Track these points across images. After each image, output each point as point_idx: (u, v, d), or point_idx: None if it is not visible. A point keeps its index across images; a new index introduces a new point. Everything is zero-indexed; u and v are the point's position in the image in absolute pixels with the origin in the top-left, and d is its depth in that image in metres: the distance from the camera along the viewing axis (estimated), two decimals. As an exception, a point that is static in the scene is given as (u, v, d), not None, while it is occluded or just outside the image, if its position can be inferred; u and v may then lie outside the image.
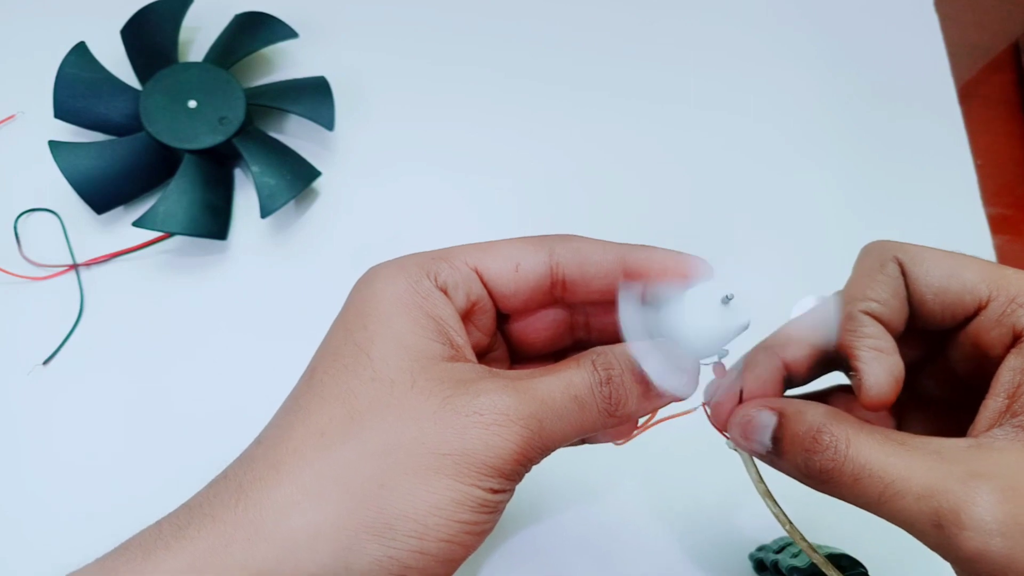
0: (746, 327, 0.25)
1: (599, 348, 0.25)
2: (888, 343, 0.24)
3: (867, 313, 0.25)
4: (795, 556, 0.36)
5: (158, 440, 0.41)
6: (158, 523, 0.23)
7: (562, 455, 0.36)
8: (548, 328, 0.29)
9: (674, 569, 0.41)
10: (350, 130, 0.49)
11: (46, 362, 0.42)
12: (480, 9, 0.54)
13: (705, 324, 0.24)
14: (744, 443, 0.26)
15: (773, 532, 0.40)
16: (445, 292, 0.25)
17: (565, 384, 0.24)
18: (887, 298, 0.25)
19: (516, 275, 0.26)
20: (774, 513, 0.27)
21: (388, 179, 0.48)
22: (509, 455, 0.22)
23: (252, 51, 0.48)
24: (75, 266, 0.43)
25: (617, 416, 0.24)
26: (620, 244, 0.26)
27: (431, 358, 0.24)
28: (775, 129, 0.53)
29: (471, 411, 0.22)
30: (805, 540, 0.26)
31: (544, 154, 0.50)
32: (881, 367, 0.24)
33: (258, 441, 0.24)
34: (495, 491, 0.23)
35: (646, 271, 0.26)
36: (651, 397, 0.25)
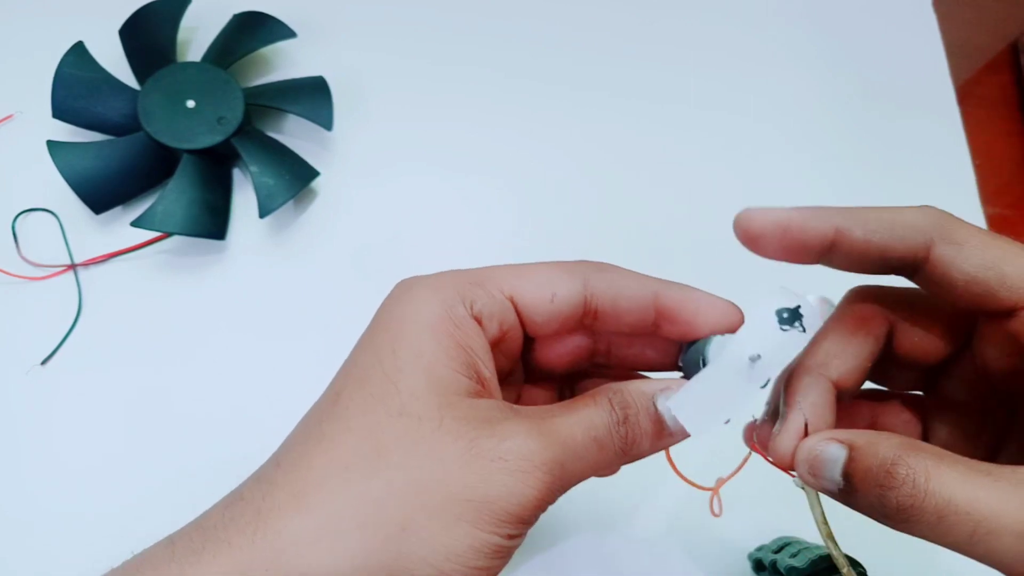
0: (765, 387, 0.24)
1: (615, 386, 0.25)
2: (824, 417, 0.25)
3: (826, 379, 0.25)
4: (794, 556, 0.36)
5: (157, 440, 0.41)
6: (170, 541, 0.22)
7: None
8: (570, 353, 0.28)
9: (672, 568, 0.41)
10: (349, 130, 0.49)
11: (44, 362, 0.42)
12: (479, 9, 0.54)
13: (728, 379, 0.24)
14: (813, 481, 0.24)
15: (772, 532, 0.40)
16: (479, 320, 0.25)
17: (586, 425, 0.23)
18: (851, 369, 0.25)
19: (551, 306, 0.26)
20: (835, 556, 0.26)
21: (387, 179, 0.48)
22: (530, 501, 0.22)
23: (251, 51, 0.48)
24: (73, 266, 0.43)
25: (629, 455, 0.24)
26: (656, 280, 0.26)
27: (458, 394, 0.23)
28: (774, 129, 0.53)
29: (496, 456, 0.22)
30: None
31: (543, 154, 0.50)
32: (790, 439, 0.24)
33: (276, 463, 0.23)
34: (511, 536, 0.23)
35: (679, 312, 0.26)
36: (663, 437, 0.25)
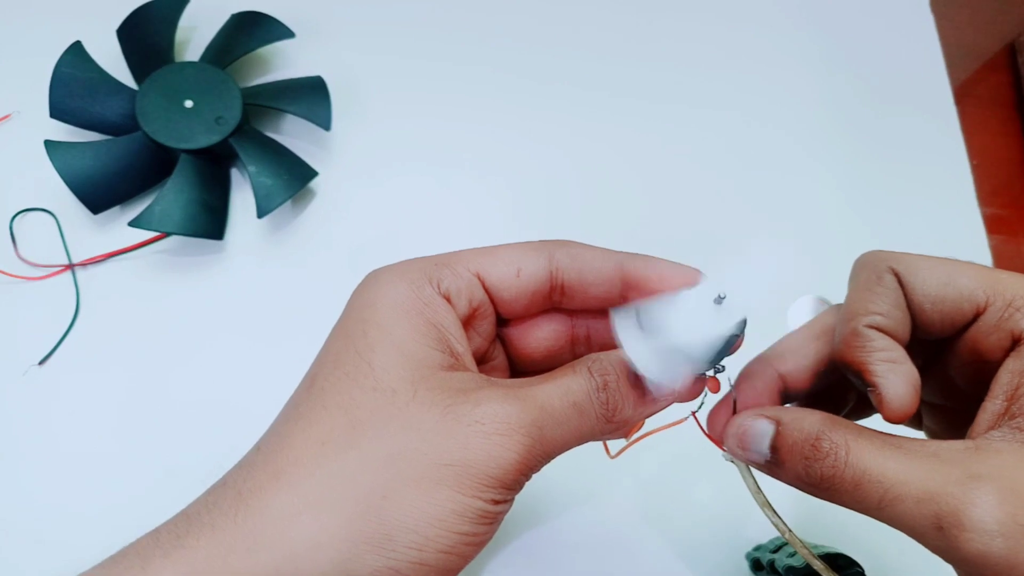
0: (741, 328, 0.24)
1: (594, 355, 0.25)
2: (900, 353, 0.24)
3: (873, 327, 0.25)
4: (791, 556, 0.36)
5: (155, 440, 0.41)
6: (156, 531, 0.23)
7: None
8: (549, 339, 0.29)
9: (670, 568, 0.41)
10: (347, 130, 0.49)
11: (42, 362, 0.42)
12: (478, 9, 0.54)
13: (698, 324, 0.24)
14: (741, 453, 0.25)
15: (769, 532, 0.40)
16: (448, 299, 0.25)
17: (564, 391, 0.24)
18: (889, 309, 0.25)
19: (517, 280, 0.26)
20: (774, 523, 0.26)
21: (385, 179, 0.48)
22: (511, 465, 0.22)
23: (249, 51, 0.48)
24: (71, 266, 0.43)
25: (614, 422, 0.25)
26: (619, 252, 0.27)
27: (432, 367, 0.23)
28: (772, 129, 0.53)
29: (472, 420, 0.22)
30: (806, 547, 0.26)
31: (542, 154, 0.50)
32: (899, 378, 0.24)
33: (257, 448, 0.24)
34: (496, 502, 0.23)
35: (644, 279, 0.26)
36: (647, 402, 0.25)
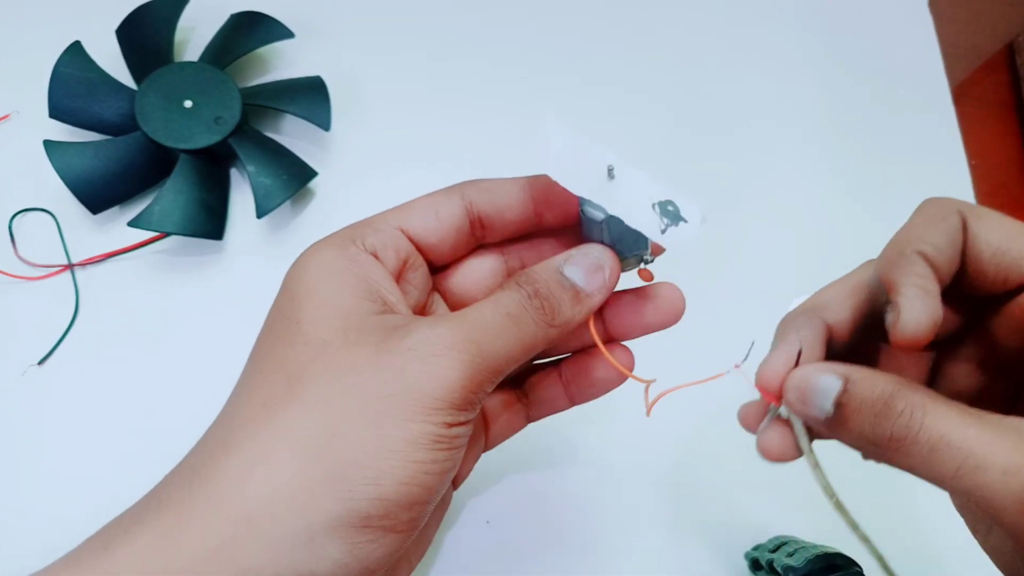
0: (637, 203, 0.25)
1: (521, 271, 0.25)
2: (934, 287, 0.23)
3: (920, 254, 0.24)
4: (790, 555, 0.36)
5: (154, 440, 0.41)
6: (120, 515, 0.23)
7: (559, 451, 0.37)
8: (487, 280, 0.29)
9: (670, 568, 0.41)
10: (346, 130, 0.49)
11: (41, 362, 0.42)
12: (476, 8, 0.54)
13: (593, 198, 0.25)
14: (800, 407, 0.24)
15: (769, 531, 0.40)
16: (375, 255, 0.25)
17: (494, 304, 0.24)
18: (943, 246, 0.24)
19: (437, 222, 0.27)
20: (823, 486, 0.25)
21: (384, 179, 0.48)
22: (454, 383, 0.22)
23: (248, 51, 0.48)
24: (70, 266, 0.43)
25: (557, 325, 0.25)
26: (524, 176, 0.28)
27: (362, 314, 0.24)
28: (769, 129, 0.53)
29: (405, 348, 0.22)
30: (848, 514, 0.25)
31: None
32: (923, 305, 0.23)
33: (208, 429, 0.25)
34: (449, 424, 0.22)
35: (550, 191, 0.27)
36: (581, 299, 0.25)
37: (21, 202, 0.44)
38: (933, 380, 0.28)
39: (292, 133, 0.49)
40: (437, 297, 0.29)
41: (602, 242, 0.26)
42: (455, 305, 0.29)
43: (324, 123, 0.47)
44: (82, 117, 0.45)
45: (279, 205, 0.44)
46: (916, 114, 0.54)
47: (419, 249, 0.27)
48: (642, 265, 0.27)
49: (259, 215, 0.44)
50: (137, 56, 0.46)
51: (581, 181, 0.25)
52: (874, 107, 0.54)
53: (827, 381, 0.23)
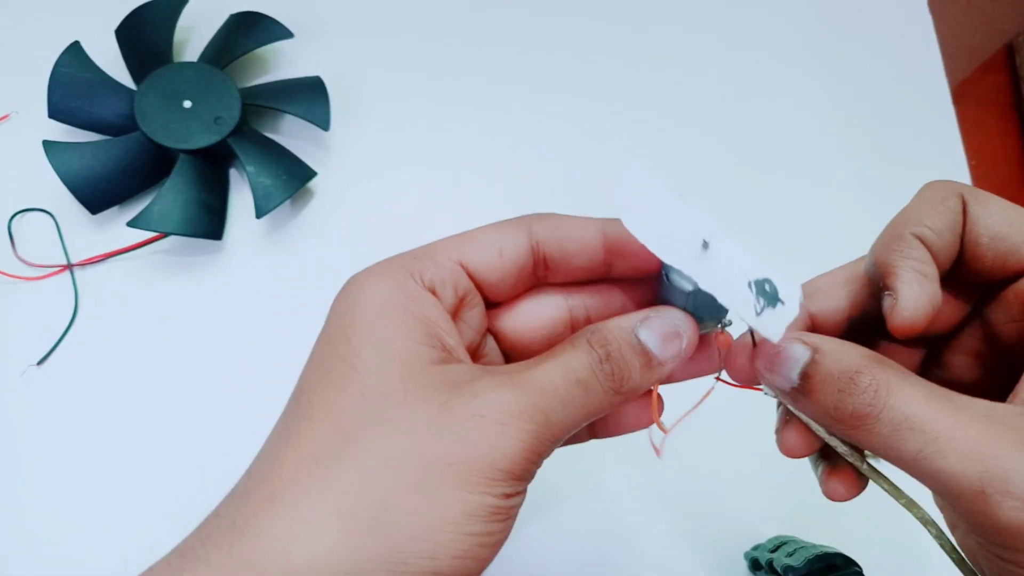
0: (732, 280, 0.23)
1: (591, 326, 0.24)
2: (932, 270, 0.23)
3: (918, 236, 0.23)
4: (790, 555, 0.36)
5: (153, 440, 0.41)
6: (150, 569, 0.21)
7: (558, 452, 0.36)
8: (545, 326, 0.27)
9: (669, 567, 0.41)
10: (345, 130, 0.49)
11: (40, 362, 0.42)
12: (475, 8, 0.54)
13: (684, 269, 0.23)
14: (768, 376, 0.23)
15: (768, 531, 0.40)
16: (433, 291, 0.24)
17: (564, 368, 0.22)
18: (941, 229, 0.23)
19: (500, 260, 0.25)
20: (832, 445, 0.24)
21: (384, 178, 0.48)
22: (517, 454, 0.21)
23: (247, 51, 0.48)
24: (69, 266, 0.43)
25: (623, 393, 0.23)
26: (598, 218, 0.26)
27: (422, 363, 0.22)
28: (769, 129, 0.53)
29: (471, 414, 0.21)
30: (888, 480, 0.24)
31: (542, 151, 0.50)
32: (921, 290, 0.22)
33: (248, 473, 0.22)
34: (508, 495, 0.21)
35: (626, 242, 0.25)
36: (653, 366, 0.23)
37: (20, 202, 0.44)
38: (931, 367, 0.27)
39: (291, 133, 0.49)
40: (489, 336, 0.28)
41: (683, 308, 0.24)
42: (510, 347, 0.27)
43: (323, 123, 0.47)
44: (81, 117, 0.45)
45: (278, 205, 0.44)
46: (915, 114, 0.54)
47: (478, 286, 0.25)
48: (718, 327, 0.25)
49: (258, 215, 0.44)
50: (136, 56, 0.46)
51: (672, 249, 0.23)
52: (874, 107, 0.54)
53: (795, 350, 0.23)
